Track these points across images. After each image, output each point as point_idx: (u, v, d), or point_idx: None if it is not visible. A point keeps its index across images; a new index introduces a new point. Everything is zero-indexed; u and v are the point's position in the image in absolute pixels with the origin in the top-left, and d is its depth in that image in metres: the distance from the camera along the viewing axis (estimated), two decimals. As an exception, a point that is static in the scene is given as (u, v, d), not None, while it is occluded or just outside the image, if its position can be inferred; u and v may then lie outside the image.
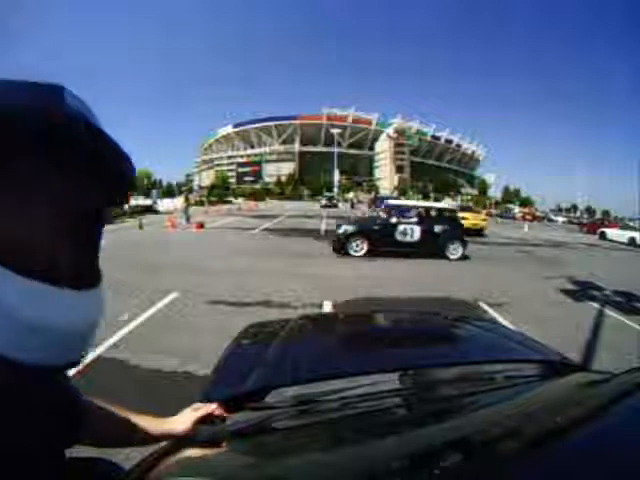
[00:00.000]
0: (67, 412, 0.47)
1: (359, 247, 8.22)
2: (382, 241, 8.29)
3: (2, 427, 0.35)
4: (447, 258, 8.46)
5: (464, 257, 8.88)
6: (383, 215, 9.05)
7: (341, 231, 8.47)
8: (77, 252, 0.36)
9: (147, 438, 0.67)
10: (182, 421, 0.70)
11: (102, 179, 0.36)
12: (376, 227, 8.52)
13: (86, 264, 0.38)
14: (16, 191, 0.31)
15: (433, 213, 9.02)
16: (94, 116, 0.36)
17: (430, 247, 8.43)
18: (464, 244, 8.72)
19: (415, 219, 8.60)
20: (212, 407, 0.73)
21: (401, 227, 8.39)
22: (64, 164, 0.32)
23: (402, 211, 8.84)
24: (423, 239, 8.42)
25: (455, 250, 8.59)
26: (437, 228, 8.59)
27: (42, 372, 0.35)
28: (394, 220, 8.47)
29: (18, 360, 0.32)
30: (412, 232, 8.40)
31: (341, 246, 8.27)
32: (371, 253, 8.17)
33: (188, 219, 15.21)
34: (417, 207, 9.13)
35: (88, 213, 0.37)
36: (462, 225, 9.33)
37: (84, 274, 0.37)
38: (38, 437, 0.40)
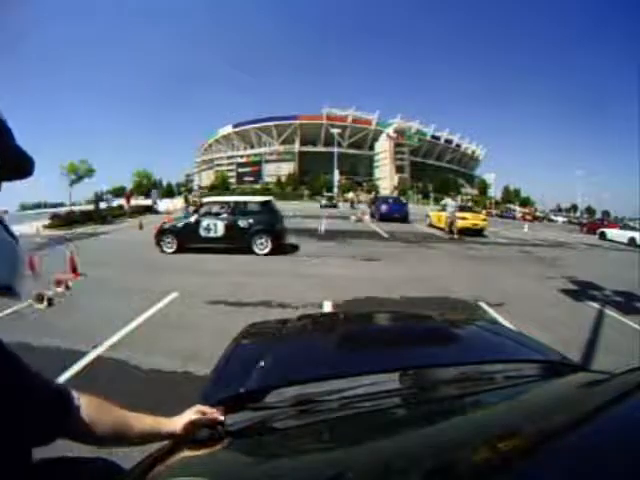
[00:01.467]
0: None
1: (170, 244, 8.36)
2: (188, 238, 8.36)
3: None
4: (255, 253, 8.23)
5: (469, 257, 8.87)
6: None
7: (156, 230, 8.70)
8: None
9: (147, 438, 0.68)
10: (182, 421, 0.70)
11: None
12: (181, 224, 8.58)
13: None
14: None
15: (246, 207, 8.79)
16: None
17: (236, 242, 8.34)
18: (275, 239, 8.42)
19: (221, 215, 8.54)
20: (213, 411, 0.73)
21: (204, 223, 8.34)
22: None
23: (211, 206, 8.91)
24: (228, 234, 8.33)
25: (262, 245, 8.35)
26: (242, 223, 8.39)
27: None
28: (196, 217, 8.49)
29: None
30: (215, 227, 8.33)
31: (157, 243, 8.44)
32: (180, 250, 8.23)
33: (188, 219, 15.20)
34: (226, 202, 8.97)
35: None
36: (276, 219, 8.88)
37: None
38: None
